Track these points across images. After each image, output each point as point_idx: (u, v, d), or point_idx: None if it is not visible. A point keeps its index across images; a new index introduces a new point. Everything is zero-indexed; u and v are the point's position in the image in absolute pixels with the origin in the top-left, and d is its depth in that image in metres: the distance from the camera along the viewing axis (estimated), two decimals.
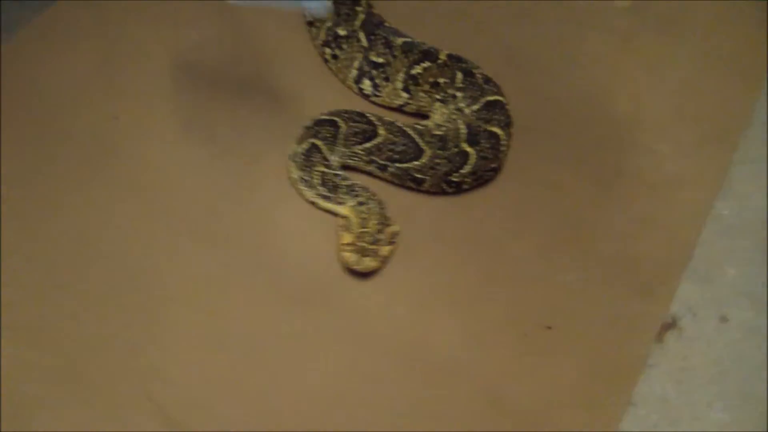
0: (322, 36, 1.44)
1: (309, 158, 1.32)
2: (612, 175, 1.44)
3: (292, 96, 1.43)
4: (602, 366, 1.25)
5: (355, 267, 1.24)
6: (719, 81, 1.59)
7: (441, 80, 1.39)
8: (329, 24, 1.42)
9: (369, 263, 1.24)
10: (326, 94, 1.44)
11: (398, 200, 1.35)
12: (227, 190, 1.33)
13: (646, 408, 1.24)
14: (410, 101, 1.41)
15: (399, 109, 1.43)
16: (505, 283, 1.30)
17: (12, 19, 1.46)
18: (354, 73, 1.41)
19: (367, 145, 1.33)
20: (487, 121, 1.35)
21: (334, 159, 1.33)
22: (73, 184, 1.30)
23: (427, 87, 1.39)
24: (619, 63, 1.59)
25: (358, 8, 1.43)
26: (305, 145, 1.33)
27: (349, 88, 1.43)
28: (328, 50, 1.43)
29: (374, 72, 1.40)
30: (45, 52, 1.44)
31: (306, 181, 1.31)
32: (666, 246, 1.38)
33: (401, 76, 1.40)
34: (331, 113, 1.35)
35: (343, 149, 1.33)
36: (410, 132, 1.34)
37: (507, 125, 1.37)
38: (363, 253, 1.24)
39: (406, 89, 1.41)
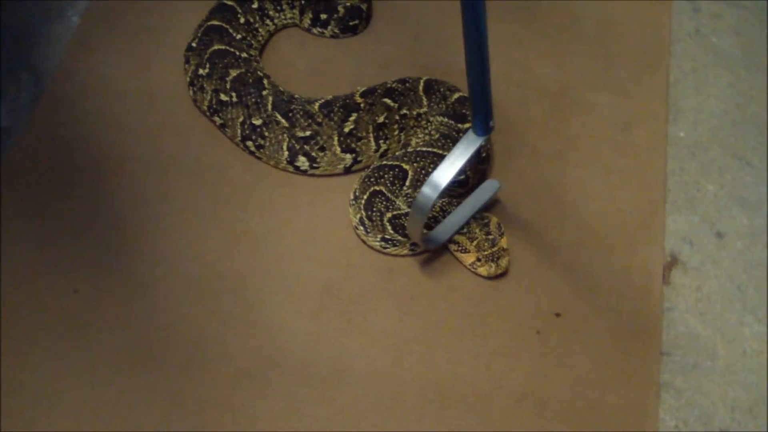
0: (239, 132, 1.43)
1: (373, 210, 1.31)
2: (566, 144, 1.44)
3: (234, 198, 1.40)
4: (622, 331, 1.24)
5: (496, 274, 1.27)
6: None
7: (379, 119, 1.40)
8: (242, 118, 1.42)
9: (503, 263, 1.27)
10: (264, 181, 1.40)
11: None
12: None
13: (679, 352, 1.22)
14: (359, 158, 1.40)
15: (346, 172, 1.40)
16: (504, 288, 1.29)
17: None
18: (285, 154, 1.40)
19: (407, 182, 1.33)
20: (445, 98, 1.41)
21: (399, 202, 1.33)
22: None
23: (371, 133, 1.39)
24: None
25: (265, 92, 1.42)
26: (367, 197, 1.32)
27: (284, 170, 1.42)
28: (250, 143, 1.42)
29: (306, 147, 1.40)
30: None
31: (389, 240, 1.31)
32: (640, 190, 1.37)
33: (336, 139, 1.40)
34: (368, 180, 1.34)
35: (399, 198, 1.34)
36: (424, 150, 1.34)
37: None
38: (492, 258, 1.26)
39: (347, 150, 1.41)
